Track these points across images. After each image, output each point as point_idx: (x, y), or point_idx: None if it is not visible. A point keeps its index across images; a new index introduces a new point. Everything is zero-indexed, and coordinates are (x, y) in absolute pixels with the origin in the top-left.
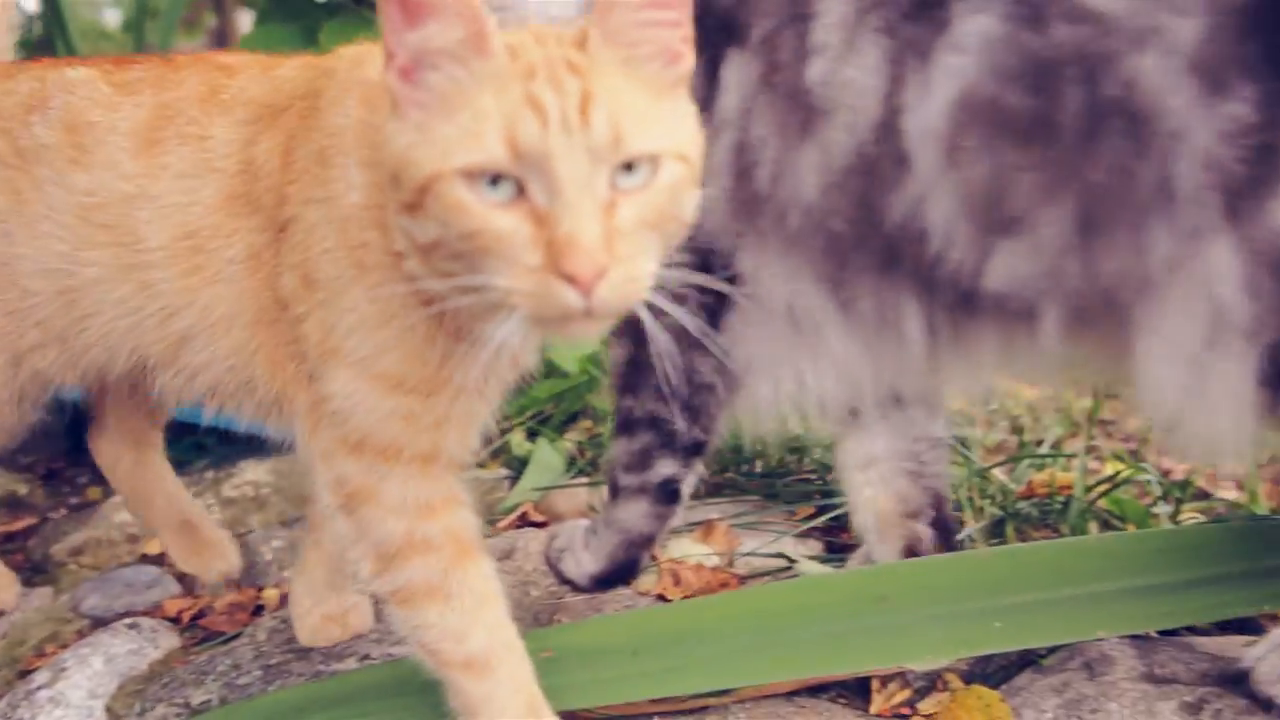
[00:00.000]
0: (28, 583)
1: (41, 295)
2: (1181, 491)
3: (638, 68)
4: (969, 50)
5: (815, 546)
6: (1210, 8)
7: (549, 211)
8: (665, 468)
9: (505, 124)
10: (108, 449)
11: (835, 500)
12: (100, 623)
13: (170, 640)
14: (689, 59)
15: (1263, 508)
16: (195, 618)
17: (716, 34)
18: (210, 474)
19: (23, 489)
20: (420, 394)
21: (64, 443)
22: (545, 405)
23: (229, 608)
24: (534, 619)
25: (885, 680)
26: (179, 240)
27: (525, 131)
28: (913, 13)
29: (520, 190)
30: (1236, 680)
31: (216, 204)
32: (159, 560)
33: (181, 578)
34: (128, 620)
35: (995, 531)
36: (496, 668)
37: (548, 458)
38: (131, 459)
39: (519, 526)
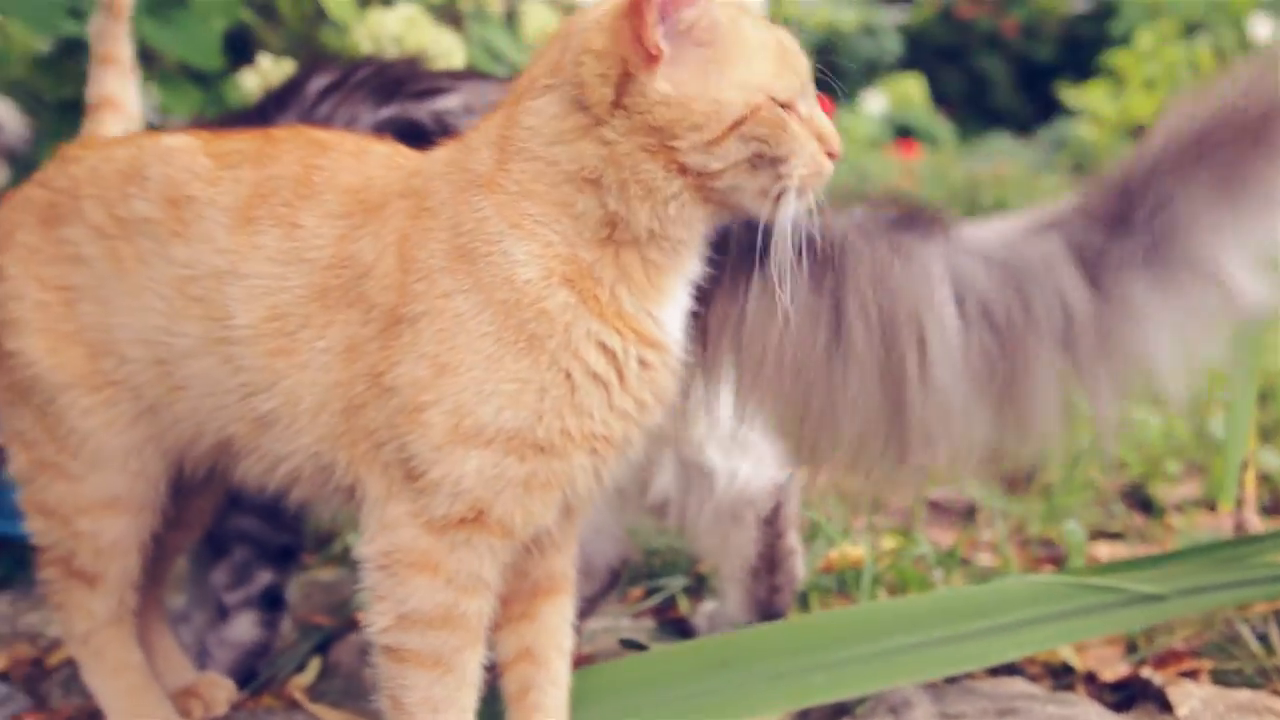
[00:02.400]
0: None
1: (138, 364)
2: (950, 560)
3: None
4: None
5: (648, 624)
6: None
7: (809, 116)
8: (265, 578)
9: (792, 59)
10: None
11: (662, 583)
12: None
13: None
14: None
15: (1015, 570)
16: None
17: None
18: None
19: None
20: (560, 453)
21: None
22: None
23: (92, 714)
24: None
25: None
26: (267, 322)
27: (804, 62)
28: None
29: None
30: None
31: (308, 295)
32: (5, 677)
33: (32, 692)
34: None
35: (801, 600)
36: None
37: None
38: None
39: None
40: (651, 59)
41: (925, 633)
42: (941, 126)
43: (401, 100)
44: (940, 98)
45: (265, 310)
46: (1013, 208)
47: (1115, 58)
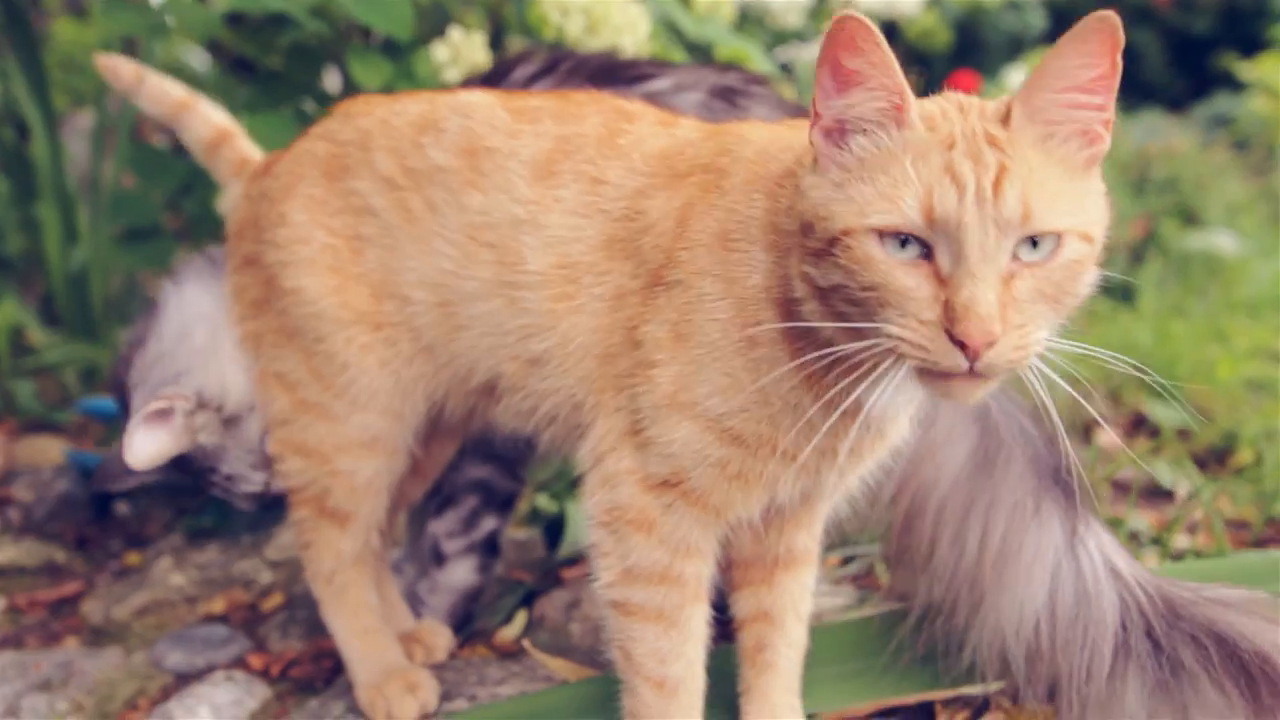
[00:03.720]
0: (93, 643)
1: (421, 305)
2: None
3: (1055, 146)
4: None
5: (849, 592)
6: None
7: (951, 275)
8: (489, 524)
9: (924, 191)
10: None
11: (859, 551)
12: (184, 678)
13: (263, 691)
14: (1106, 140)
15: (1228, 550)
16: (284, 670)
17: None
18: (248, 538)
19: (59, 556)
20: (754, 453)
21: (89, 511)
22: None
23: (314, 657)
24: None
25: (946, 704)
26: (556, 269)
27: (942, 201)
28: None
29: (927, 252)
30: None
31: (597, 244)
32: (224, 619)
33: (251, 635)
34: (224, 673)
35: None
36: (681, 694)
37: (579, 517)
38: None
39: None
40: (812, 158)
41: None
42: None
43: (615, 84)
44: None
45: (556, 258)
46: (1185, 182)
47: None
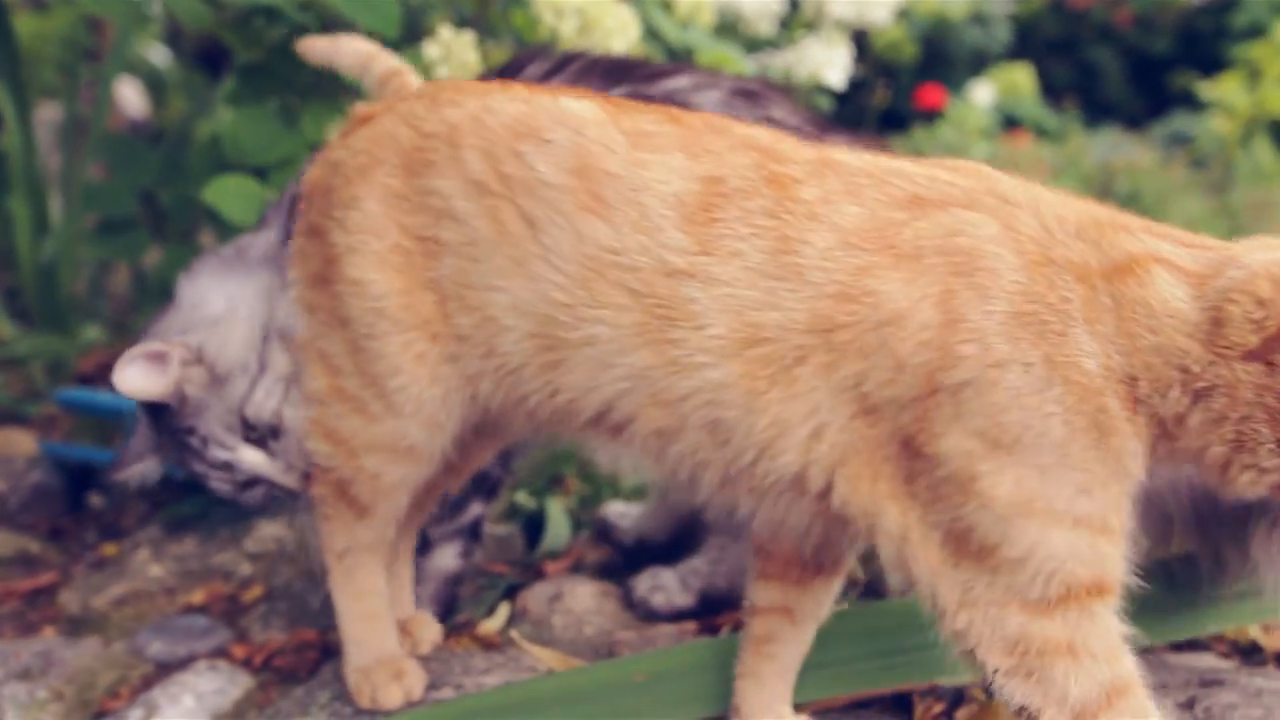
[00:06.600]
0: (71, 633)
1: (512, 332)
2: None
3: None
4: None
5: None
6: None
7: None
8: (475, 510)
9: None
10: None
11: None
12: (165, 667)
13: (246, 680)
14: None
15: None
16: (267, 660)
17: None
18: (226, 530)
19: (33, 547)
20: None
21: (63, 502)
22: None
23: (297, 648)
24: (594, 652)
25: (922, 694)
26: (742, 336)
27: None
28: None
29: None
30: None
31: (807, 322)
32: (204, 610)
33: (232, 625)
34: (206, 662)
35: None
36: None
37: (559, 514)
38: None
39: (570, 571)
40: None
41: None
42: (1050, 118)
43: (632, 81)
44: (1047, 89)
45: (742, 325)
46: (1147, 196)
47: (1251, 50)
